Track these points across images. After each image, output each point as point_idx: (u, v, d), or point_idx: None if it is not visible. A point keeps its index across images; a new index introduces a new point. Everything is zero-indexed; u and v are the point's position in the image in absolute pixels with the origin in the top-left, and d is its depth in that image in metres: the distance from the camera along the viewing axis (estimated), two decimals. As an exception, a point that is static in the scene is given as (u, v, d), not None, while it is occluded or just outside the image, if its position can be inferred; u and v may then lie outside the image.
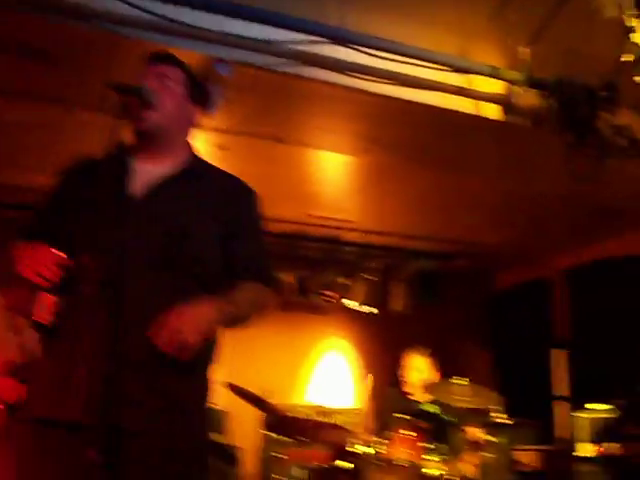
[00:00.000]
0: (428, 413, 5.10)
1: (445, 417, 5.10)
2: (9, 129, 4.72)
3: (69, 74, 3.94)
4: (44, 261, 2.26)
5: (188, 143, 2.68)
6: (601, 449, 5.06)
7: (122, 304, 2.27)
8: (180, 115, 2.61)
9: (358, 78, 3.95)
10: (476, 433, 5.08)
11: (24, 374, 4.34)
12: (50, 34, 3.60)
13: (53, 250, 2.28)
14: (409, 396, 5.36)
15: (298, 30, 3.74)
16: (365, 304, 7.32)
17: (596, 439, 5.09)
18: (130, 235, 2.38)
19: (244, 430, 5.95)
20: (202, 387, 2.50)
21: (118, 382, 2.24)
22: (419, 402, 5.26)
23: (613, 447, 5.03)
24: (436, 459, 4.57)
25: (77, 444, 2.16)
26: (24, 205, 4.67)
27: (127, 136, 2.54)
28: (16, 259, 2.36)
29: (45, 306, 2.23)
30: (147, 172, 2.52)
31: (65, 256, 2.27)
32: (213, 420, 4.91)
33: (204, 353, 2.40)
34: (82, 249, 2.30)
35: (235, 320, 2.46)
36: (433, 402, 5.12)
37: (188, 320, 2.23)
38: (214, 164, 2.74)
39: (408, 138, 4.61)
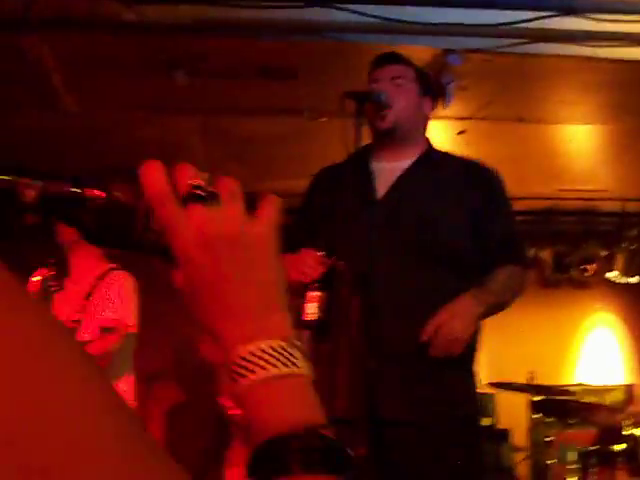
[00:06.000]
0: None
1: None
2: (263, 142, 5.05)
3: (308, 86, 4.17)
4: (308, 262, 2.40)
5: (424, 136, 2.77)
6: None
7: (377, 302, 2.41)
8: (415, 111, 2.69)
9: (591, 46, 3.83)
10: None
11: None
12: (286, 53, 3.85)
13: (315, 251, 2.43)
14: None
15: (523, 8, 3.68)
16: (628, 275, 7.02)
17: None
18: (380, 235, 2.50)
19: (511, 412, 5.92)
20: (470, 376, 2.60)
21: (380, 376, 2.38)
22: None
23: None
24: None
25: (344, 440, 2.33)
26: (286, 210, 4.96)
27: (367, 139, 2.68)
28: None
29: (313, 303, 2.30)
30: (388, 170, 2.63)
31: (325, 254, 2.41)
32: (482, 405, 4.96)
33: (470, 344, 2.50)
34: (335, 253, 2.43)
35: (496, 308, 2.54)
36: None
37: (457, 318, 2.36)
38: (453, 152, 2.82)
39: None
